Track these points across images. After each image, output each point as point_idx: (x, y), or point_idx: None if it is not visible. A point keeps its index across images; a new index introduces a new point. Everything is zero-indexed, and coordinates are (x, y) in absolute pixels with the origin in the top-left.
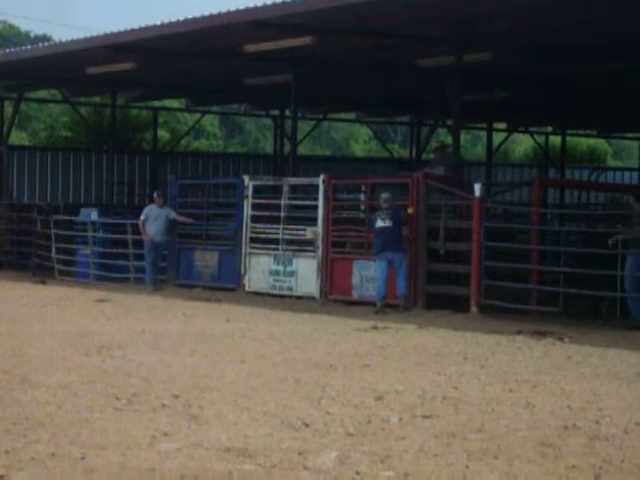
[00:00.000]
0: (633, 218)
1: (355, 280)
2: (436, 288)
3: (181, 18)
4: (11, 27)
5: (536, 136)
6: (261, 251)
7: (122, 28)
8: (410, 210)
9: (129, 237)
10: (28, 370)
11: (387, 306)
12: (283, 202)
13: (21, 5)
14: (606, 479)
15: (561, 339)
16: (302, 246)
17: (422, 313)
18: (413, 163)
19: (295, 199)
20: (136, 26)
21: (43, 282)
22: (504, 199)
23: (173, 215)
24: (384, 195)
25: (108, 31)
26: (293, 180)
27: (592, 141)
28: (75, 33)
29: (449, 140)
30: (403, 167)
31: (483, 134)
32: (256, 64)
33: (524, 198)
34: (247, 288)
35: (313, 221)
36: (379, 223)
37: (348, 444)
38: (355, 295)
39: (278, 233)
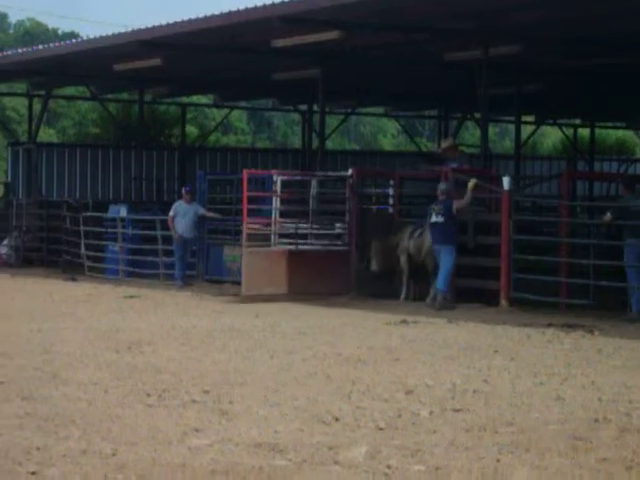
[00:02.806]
0: (623, 207)
1: None
2: (466, 282)
3: (208, 14)
4: (38, 24)
5: (564, 128)
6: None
7: (149, 24)
8: (471, 184)
9: (158, 233)
10: (59, 367)
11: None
12: (311, 196)
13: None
14: (637, 471)
15: (591, 332)
16: (332, 240)
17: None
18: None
19: (323, 194)
20: (164, 22)
21: (73, 279)
22: (533, 192)
23: (202, 211)
24: (442, 186)
25: (135, 27)
26: (321, 174)
27: (621, 133)
28: (100, 29)
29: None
30: (432, 161)
31: (511, 127)
32: (284, 59)
33: (553, 191)
34: None
35: (342, 215)
36: (433, 218)
37: (379, 438)
38: None
39: (307, 228)
